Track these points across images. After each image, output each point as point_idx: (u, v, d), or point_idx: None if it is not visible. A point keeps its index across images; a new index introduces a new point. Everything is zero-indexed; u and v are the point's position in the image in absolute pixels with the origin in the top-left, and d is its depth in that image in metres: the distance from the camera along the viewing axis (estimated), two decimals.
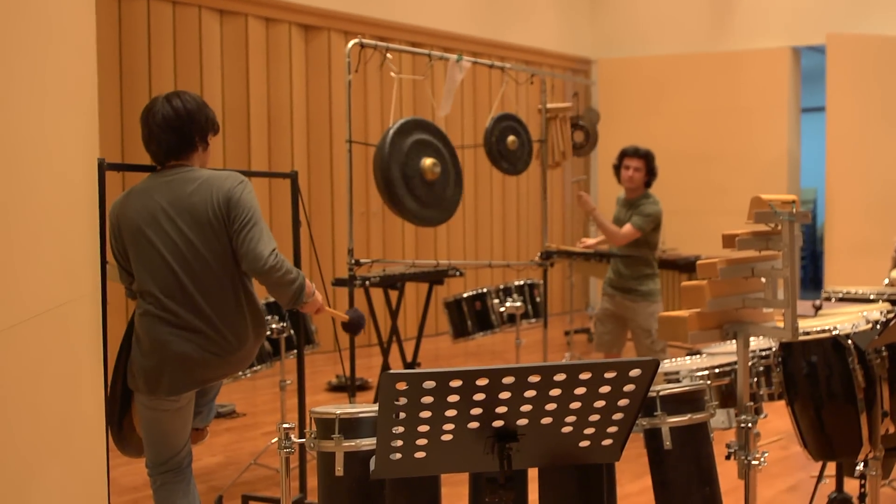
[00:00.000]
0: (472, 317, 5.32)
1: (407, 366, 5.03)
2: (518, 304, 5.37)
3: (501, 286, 5.53)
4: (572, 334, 7.74)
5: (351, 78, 4.55)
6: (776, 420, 3.87)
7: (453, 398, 1.85)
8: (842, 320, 2.93)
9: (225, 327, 2.86)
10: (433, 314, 7.57)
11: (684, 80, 10.05)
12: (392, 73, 4.77)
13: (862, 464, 2.89)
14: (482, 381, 1.83)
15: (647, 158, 5.10)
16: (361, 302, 6.92)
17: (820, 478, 4.14)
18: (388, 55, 4.63)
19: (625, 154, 5.15)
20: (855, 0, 9.47)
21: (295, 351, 4.00)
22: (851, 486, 3.88)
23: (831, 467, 3.72)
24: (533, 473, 2.30)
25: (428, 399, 1.83)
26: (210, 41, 6.91)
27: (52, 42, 2.02)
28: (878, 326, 2.81)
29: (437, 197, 4.38)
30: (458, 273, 5.08)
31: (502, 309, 5.42)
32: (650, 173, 5.14)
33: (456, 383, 1.83)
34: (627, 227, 5.07)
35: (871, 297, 4.07)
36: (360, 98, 7.85)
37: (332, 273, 7.18)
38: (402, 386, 1.82)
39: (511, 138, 5.56)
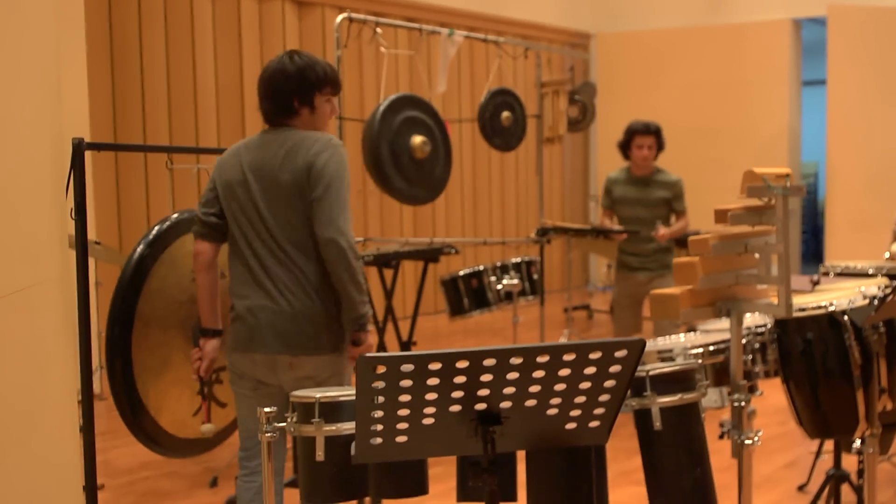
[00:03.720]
0: (468, 295, 5.27)
1: (403, 345, 4.99)
2: (515, 281, 5.32)
3: (498, 263, 5.47)
4: (571, 311, 7.69)
5: (340, 53, 4.48)
6: (774, 396, 3.82)
7: (433, 381, 1.80)
8: (838, 296, 2.88)
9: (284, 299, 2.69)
10: (430, 292, 7.53)
11: (684, 53, 9.94)
12: (382, 48, 4.69)
13: (859, 441, 2.84)
14: (462, 364, 1.78)
15: (657, 134, 5.00)
16: None
17: (818, 454, 4.11)
18: (378, 30, 4.55)
19: (635, 132, 4.98)
20: None
21: None
22: (849, 462, 3.85)
23: (830, 443, 3.68)
24: (522, 456, 2.27)
25: (407, 383, 1.78)
26: (202, 19, 6.83)
27: (9, 19, 1.95)
28: (876, 302, 2.76)
29: (425, 175, 4.32)
30: (453, 251, 5.02)
31: (499, 286, 5.37)
32: (660, 147, 5.05)
33: (435, 366, 1.78)
34: (684, 218, 5.10)
35: (870, 271, 4.01)
36: (354, 74, 7.76)
37: None
38: (380, 370, 1.77)
39: (506, 114, 5.49)
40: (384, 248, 5.15)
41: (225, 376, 3.25)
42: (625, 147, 5.06)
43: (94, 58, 5.99)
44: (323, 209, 2.64)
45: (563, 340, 6.47)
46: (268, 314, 2.70)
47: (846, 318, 2.68)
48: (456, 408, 1.86)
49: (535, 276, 5.56)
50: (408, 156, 4.29)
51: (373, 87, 7.87)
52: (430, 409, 1.85)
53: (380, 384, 1.78)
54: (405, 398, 1.81)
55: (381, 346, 4.90)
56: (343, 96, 7.41)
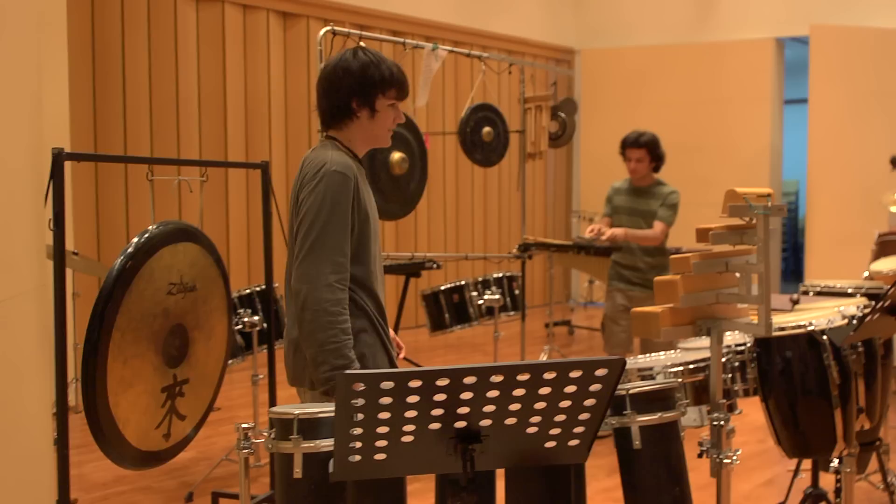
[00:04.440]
0: (449, 309, 5.26)
1: None
2: (496, 296, 5.32)
3: (480, 278, 5.47)
4: (552, 327, 7.70)
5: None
6: (754, 414, 3.83)
7: (413, 399, 1.79)
8: (817, 315, 2.89)
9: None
10: (411, 307, 7.51)
11: (668, 70, 10.01)
12: None
13: (837, 460, 2.85)
14: (442, 382, 1.77)
15: (648, 147, 4.97)
16: None
17: (796, 472, 4.11)
18: (362, 43, 4.54)
19: (626, 144, 5.00)
20: None
21: (277, 342, 3.93)
22: (827, 481, 3.86)
23: (808, 462, 3.69)
24: (502, 474, 2.26)
25: (386, 400, 1.77)
26: (185, 28, 6.81)
27: None
28: (854, 322, 2.77)
29: (400, 191, 4.31)
30: (434, 265, 5.01)
31: (480, 301, 5.36)
32: (656, 159, 5.02)
33: (415, 383, 1.77)
34: (660, 225, 4.97)
35: (849, 290, 4.03)
36: None
37: None
38: (358, 386, 1.75)
39: (486, 129, 5.49)
40: None
41: (188, 389, 3.23)
42: (623, 157, 5.09)
43: (75, 67, 5.96)
44: (295, 249, 2.38)
45: (543, 356, 6.46)
46: (284, 343, 2.57)
47: (825, 337, 2.70)
48: (435, 425, 1.85)
49: (517, 292, 5.56)
50: (386, 172, 4.28)
51: None
52: (409, 427, 1.84)
53: (359, 401, 1.77)
54: (384, 415, 1.80)
55: None
56: None
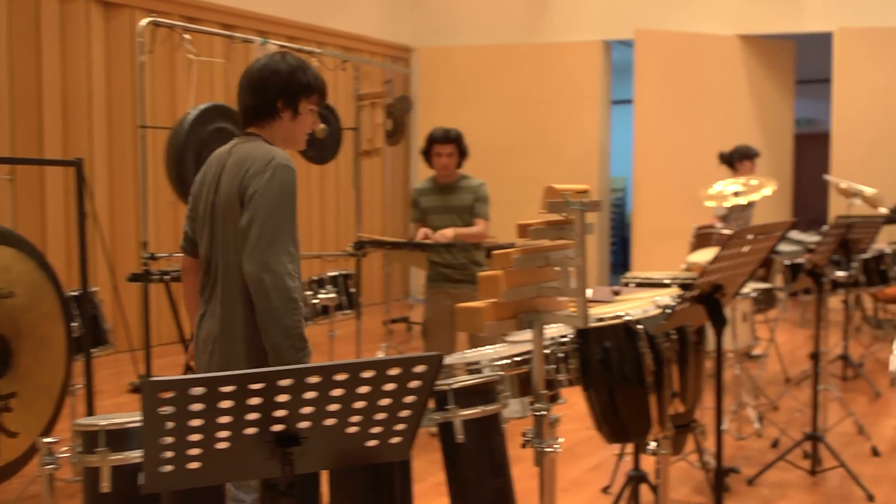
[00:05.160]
0: None
1: None
2: (331, 295, 5.26)
3: (314, 277, 5.40)
4: (390, 324, 7.71)
5: (144, 59, 4.28)
6: (582, 403, 3.96)
7: (226, 404, 1.73)
8: (634, 306, 3.01)
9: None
10: None
11: (501, 70, 10.23)
12: (189, 55, 4.53)
13: (654, 443, 2.98)
14: (257, 385, 1.73)
15: (457, 142, 4.95)
16: (162, 298, 6.60)
17: (620, 456, 4.30)
18: (186, 35, 4.39)
19: (435, 140, 4.95)
20: None
21: (96, 350, 3.73)
22: (649, 463, 4.05)
23: (631, 445, 3.86)
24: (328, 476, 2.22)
25: (197, 406, 1.71)
26: None
27: None
28: (668, 311, 2.90)
29: None
30: None
31: (315, 301, 5.29)
32: (462, 154, 5.02)
33: (228, 388, 1.71)
34: (482, 221, 4.97)
35: (666, 281, 4.24)
36: (166, 81, 7.47)
37: (135, 268, 6.82)
38: (167, 394, 1.68)
39: (320, 126, 5.41)
40: None
41: (15, 404, 3.02)
42: (427, 155, 5.01)
43: None
44: (249, 240, 2.44)
45: (380, 354, 6.47)
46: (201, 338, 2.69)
47: (640, 326, 2.81)
48: (252, 430, 1.80)
49: (352, 290, 5.52)
50: None
51: (186, 96, 7.61)
52: (223, 433, 1.79)
53: (168, 409, 1.70)
54: (196, 423, 1.74)
55: (188, 367, 4.69)
56: (153, 104, 7.12)
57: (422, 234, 4.95)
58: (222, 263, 2.57)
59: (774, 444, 4.86)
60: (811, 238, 6.66)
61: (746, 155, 6.86)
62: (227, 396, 1.71)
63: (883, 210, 6.13)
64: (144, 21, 4.41)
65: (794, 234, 6.63)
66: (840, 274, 5.24)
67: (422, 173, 10.45)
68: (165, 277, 4.43)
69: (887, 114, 9.34)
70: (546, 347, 2.80)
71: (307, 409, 1.80)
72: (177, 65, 7.42)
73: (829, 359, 6.48)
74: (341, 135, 5.70)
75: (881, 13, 9.41)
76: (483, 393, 2.27)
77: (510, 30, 10.39)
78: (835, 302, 7.04)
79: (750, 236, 2.84)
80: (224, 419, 1.75)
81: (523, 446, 2.52)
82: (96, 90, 7.08)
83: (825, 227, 4.82)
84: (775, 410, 5.59)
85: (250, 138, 2.61)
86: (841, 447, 4.76)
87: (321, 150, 5.50)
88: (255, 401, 1.74)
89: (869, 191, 6.11)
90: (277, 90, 2.58)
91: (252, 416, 1.77)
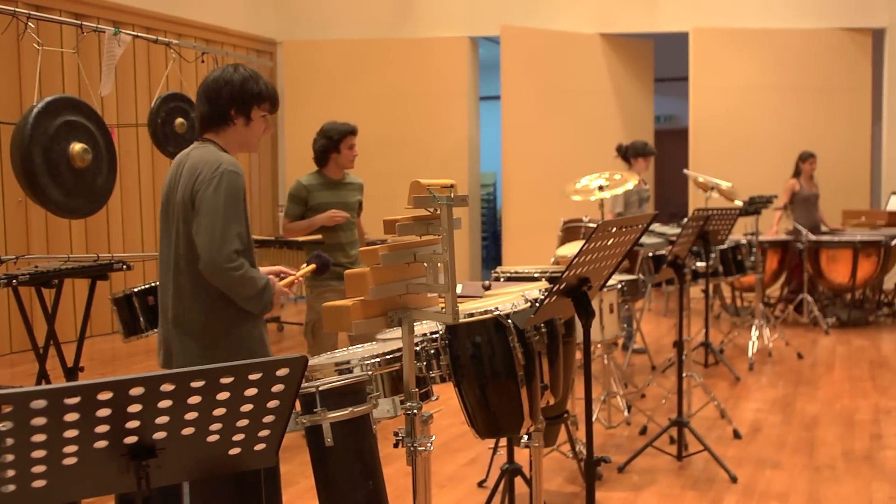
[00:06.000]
0: (144, 312, 4.91)
1: (68, 371, 4.55)
2: None
3: None
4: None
5: None
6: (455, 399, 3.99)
7: (72, 417, 1.61)
8: (504, 300, 3.01)
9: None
10: (104, 312, 7.01)
11: (370, 64, 10.15)
12: (35, 45, 4.26)
13: (526, 436, 2.99)
14: (105, 396, 1.61)
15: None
16: (9, 304, 6.22)
17: (495, 450, 4.32)
18: (31, 24, 4.12)
19: (350, 132, 4.86)
20: None
21: None
22: (523, 455, 4.08)
23: (505, 438, 3.87)
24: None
25: (40, 420, 1.58)
26: None
27: None
28: (536, 304, 2.91)
29: (86, 186, 3.96)
30: (124, 266, 4.66)
31: None
32: None
33: (73, 400, 1.59)
34: (360, 219, 5.10)
35: (535, 275, 4.27)
36: (12, 72, 7.03)
37: None
38: (5, 409, 1.55)
39: (179, 121, 5.22)
40: (44, 266, 4.66)
41: None
42: (330, 151, 4.87)
43: None
44: (201, 243, 2.74)
45: None
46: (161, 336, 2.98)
47: (510, 321, 2.81)
48: (102, 444, 1.69)
49: None
50: (66, 164, 3.90)
51: (33, 89, 7.19)
52: (71, 448, 1.66)
53: (7, 425, 1.57)
54: (40, 438, 1.61)
55: (44, 375, 4.44)
56: None
57: (331, 214, 4.85)
58: (184, 261, 2.82)
59: (643, 431, 5.00)
60: (672, 230, 6.90)
61: (641, 152, 6.96)
62: (72, 409, 1.59)
63: (738, 203, 6.40)
64: None
65: (656, 227, 6.85)
66: (700, 265, 5.44)
67: (290, 168, 10.25)
68: (13, 281, 4.14)
69: (741, 110, 9.79)
70: (416, 344, 2.77)
71: (162, 419, 1.70)
72: (23, 55, 6.99)
73: (692, 346, 6.73)
74: None
75: (734, 15, 9.85)
76: (352, 394, 2.20)
77: (377, 24, 10.32)
78: (695, 291, 7.32)
79: (613, 229, 2.88)
80: (71, 433, 1.63)
81: (396, 445, 2.47)
82: None
83: (685, 220, 4.98)
84: (643, 398, 5.76)
85: (205, 144, 2.88)
86: (705, 431, 4.94)
87: (182, 145, 5.29)
88: (104, 412, 1.63)
89: (725, 184, 6.37)
90: (231, 99, 2.84)
91: (102, 428, 1.66)
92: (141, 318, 4.92)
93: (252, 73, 2.89)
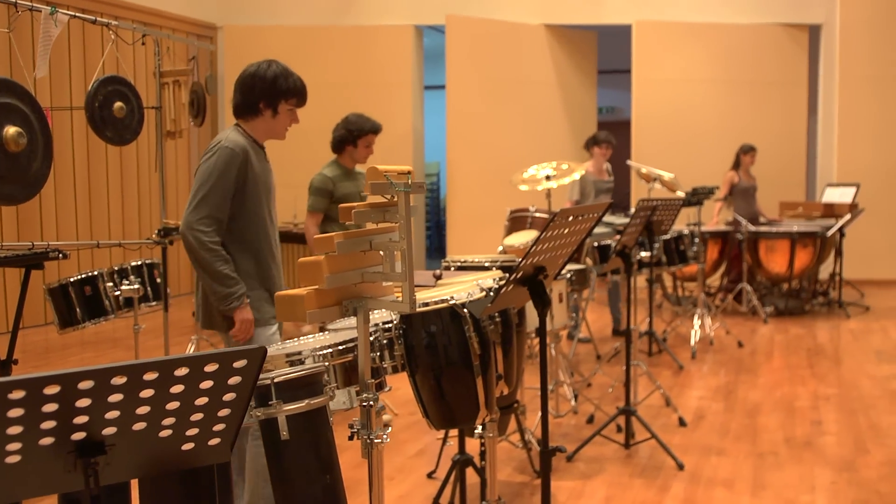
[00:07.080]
0: (80, 303, 4.76)
1: (1, 364, 4.36)
2: (135, 286, 4.93)
3: (116, 267, 5.03)
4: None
5: None
6: (405, 388, 3.94)
7: (15, 412, 1.51)
8: (458, 290, 2.97)
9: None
10: (38, 303, 6.79)
11: (314, 52, 10.00)
12: None
13: (480, 427, 2.96)
14: (52, 390, 1.52)
15: None
16: None
17: (444, 441, 4.28)
18: None
19: (374, 131, 4.97)
20: None
21: None
22: (472, 446, 4.05)
23: (455, 430, 3.84)
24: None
25: None
26: None
27: None
28: (491, 294, 2.88)
29: (20, 171, 3.79)
30: (60, 255, 4.49)
31: (117, 292, 4.93)
32: None
33: (17, 395, 1.50)
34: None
35: (486, 264, 4.24)
36: None
37: None
38: None
39: (118, 104, 5.05)
40: None
41: None
42: (348, 142, 4.96)
43: None
44: (187, 204, 3.08)
45: (191, 347, 6.14)
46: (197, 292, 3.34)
47: (465, 310, 2.77)
48: (48, 440, 1.59)
49: (158, 280, 5.19)
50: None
51: None
52: (14, 446, 1.57)
53: None
54: None
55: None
56: None
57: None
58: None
59: (590, 420, 5.01)
60: (618, 220, 6.93)
61: (595, 142, 7.33)
62: (15, 404, 1.50)
63: (680, 193, 6.46)
64: None
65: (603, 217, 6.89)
66: (644, 254, 5.47)
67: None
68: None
69: (682, 102, 9.91)
70: (370, 334, 2.71)
71: (112, 414, 1.61)
72: None
73: (636, 335, 6.79)
74: (143, 114, 5.33)
75: (675, 8, 9.95)
76: (308, 385, 2.14)
77: (321, 11, 10.18)
78: (639, 281, 7.38)
79: (570, 217, 2.86)
80: (14, 430, 1.53)
81: (351, 438, 2.41)
82: None
83: (633, 210, 5.00)
84: (589, 387, 5.78)
85: (232, 128, 3.24)
86: (650, 419, 4.97)
87: (120, 130, 5.13)
88: (50, 407, 1.54)
89: (667, 175, 6.42)
90: (262, 93, 3.20)
91: (47, 424, 1.56)
92: (78, 309, 4.76)
93: (283, 70, 3.22)
